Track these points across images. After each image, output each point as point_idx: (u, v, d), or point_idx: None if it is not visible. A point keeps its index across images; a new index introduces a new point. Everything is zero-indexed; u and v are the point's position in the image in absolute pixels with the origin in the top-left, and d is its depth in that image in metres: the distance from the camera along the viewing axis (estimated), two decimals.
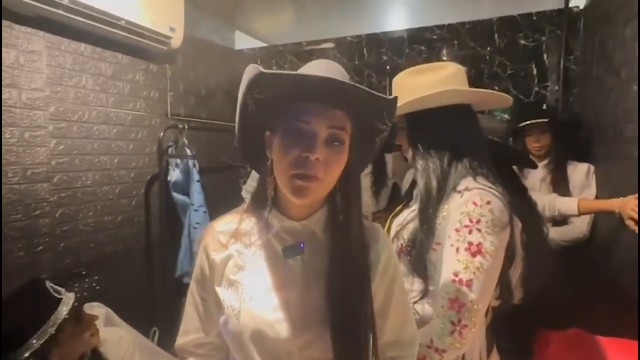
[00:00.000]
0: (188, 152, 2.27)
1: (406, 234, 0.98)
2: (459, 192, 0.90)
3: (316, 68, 0.71)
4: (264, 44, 3.03)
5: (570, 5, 2.24)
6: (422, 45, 2.58)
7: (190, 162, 2.26)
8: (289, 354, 0.69)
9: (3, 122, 1.51)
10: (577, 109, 2.25)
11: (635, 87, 1.50)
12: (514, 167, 1.28)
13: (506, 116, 2.41)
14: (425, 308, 0.93)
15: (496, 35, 2.41)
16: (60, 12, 1.59)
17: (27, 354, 1.02)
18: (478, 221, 0.84)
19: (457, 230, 0.86)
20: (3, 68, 1.50)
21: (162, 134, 2.16)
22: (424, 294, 0.92)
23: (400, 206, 1.15)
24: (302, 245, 0.72)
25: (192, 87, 2.54)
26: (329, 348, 0.68)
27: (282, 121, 0.67)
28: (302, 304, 0.70)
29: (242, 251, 0.75)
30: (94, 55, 1.89)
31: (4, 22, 1.51)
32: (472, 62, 2.45)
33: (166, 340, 1.96)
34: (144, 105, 2.17)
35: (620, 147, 1.68)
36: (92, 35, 1.83)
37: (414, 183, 1.19)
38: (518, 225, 1.01)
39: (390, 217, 1.13)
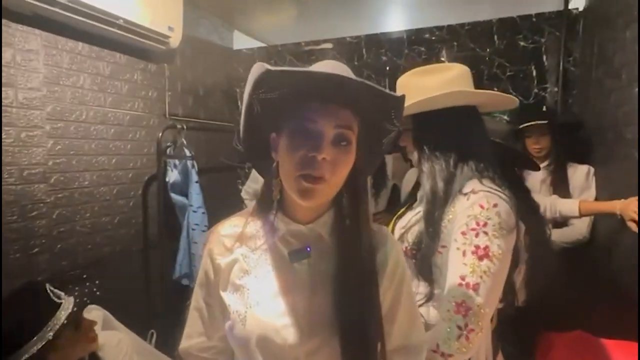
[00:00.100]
0: (187, 152, 2.25)
1: (411, 237, 0.97)
2: (465, 194, 0.89)
3: (323, 67, 0.69)
4: (263, 44, 3.01)
5: (570, 7, 2.24)
6: (421, 46, 2.58)
7: (189, 163, 2.24)
8: None
9: None
10: (577, 110, 2.25)
11: (636, 90, 1.50)
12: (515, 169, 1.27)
13: (505, 117, 2.41)
14: (430, 311, 0.92)
15: (496, 37, 2.41)
16: (58, 10, 1.57)
17: (24, 359, 1.01)
18: (485, 224, 0.83)
19: (463, 233, 0.85)
20: None
21: (160, 134, 2.14)
22: (429, 297, 0.91)
23: (404, 208, 1.14)
24: (308, 249, 0.70)
25: (190, 87, 2.52)
26: (336, 354, 0.67)
27: (287, 122, 0.66)
28: (309, 309, 0.68)
29: (248, 255, 0.73)
30: (91, 55, 1.87)
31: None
32: (471, 64, 2.40)
33: (164, 343, 1.94)
34: (142, 105, 2.15)
35: (620, 149, 1.68)
36: (90, 35, 1.81)
37: (417, 185, 1.18)
38: (522, 227, 1.00)
39: (393, 220, 1.13)
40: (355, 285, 0.68)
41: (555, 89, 2.31)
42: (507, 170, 1.05)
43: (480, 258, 0.82)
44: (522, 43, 2.36)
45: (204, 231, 2.19)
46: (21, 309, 1.06)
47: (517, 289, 1.04)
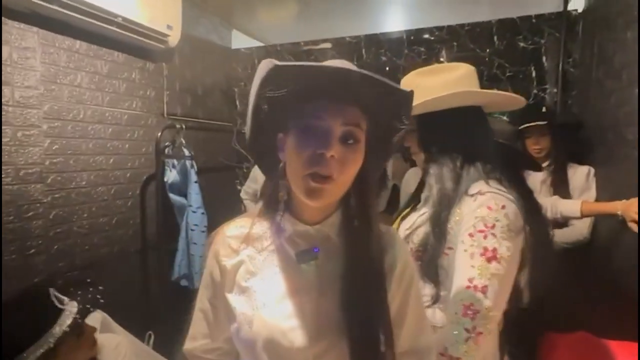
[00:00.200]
0: (186, 152, 2.23)
1: (416, 238, 0.96)
2: (472, 196, 0.89)
3: (330, 64, 0.68)
4: (261, 44, 3.00)
5: (569, 8, 2.25)
6: (421, 46, 2.57)
7: (188, 163, 2.22)
8: None
9: None
10: (576, 111, 2.26)
11: (637, 91, 1.50)
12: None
13: (505, 118, 2.41)
14: (436, 313, 0.91)
15: (495, 38, 2.41)
16: (55, 7, 1.55)
17: None
18: (493, 226, 0.82)
19: (471, 235, 0.84)
20: None
21: (159, 133, 2.12)
22: (435, 299, 0.91)
23: (408, 209, 1.13)
24: (316, 250, 0.70)
25: (188, 86, 2.50)
26: (345, 356, 0.66)
27: (295, 121, 0.65)
28: (317, 311, 0.67)
29: (254, 256, 0.72)
30: (89, 53, 1.84)
31: None
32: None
33: (162, 345, 1.92)
34: (140, 105, 2.13)
35: (620, 149, 1.68)
36: (88, 32, 1.79)
37: (420, 186, 1.17)
38: (526, 228, 0.99)
39: (398, 221, 1.12)
40: (363, 286, 0.67)
41: (555, 90, 2.31)
42: (511, 171, 1.04)
43: (489, 260, 0.81)
44: (521, 44, 2.37)
45: (203, 232, 2.17)
46: (23, 314, 1.04)
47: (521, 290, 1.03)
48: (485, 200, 0.86)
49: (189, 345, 0.79)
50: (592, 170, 1.92)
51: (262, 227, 0.74)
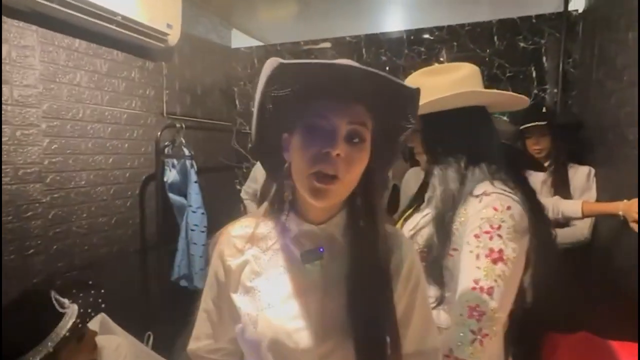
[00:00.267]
0: (186, 152, 2.21)
1: (421, 239, 0.95)
2: (477, 196, 0.88)
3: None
4: (261, 43, 2.99)
5: (570, 9, 2.25)
6: (421, 46, 2.57)
7: (188, 162, 2.21)
8: None
9: None
10: (576, 111, 2.26)
11: (637, 91, 1.50)
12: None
13: (505, 118, 2.41)
14: (440, 315, 0.91)
15: (496, 38, 2.41)
16: (54, 6, 1.53)
17: None
18: (499, 227, 0.82)
19: (476, 236, 0.83)
20: None
21: (159, 133, 2.11)
22: (440, 301, 0.90)
23: (411, 210, 1.12)
24: (321, 249, 0.69)
25: (188, 85, 2.49)
26: (350, 358, 0.65)
27: (300, 120, 0.65)
28: (322, 311, 0.67)
29: (259, 256, 0.72)
30: (88, 52, 1.83)
31: None
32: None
33: (161, 345, 1.91)
34: (139, 104, 2.12)
35: (621, 150, 1.68)
36: (87, 31, 1.77)
37: (422, 186, 1.17)
38: (531, 229, 0.99)
39: (401, 221, 1.11)
40: (369, 287, 0.66)
41: (555, 90, 2.32)
42: (515, 172, 1.04)
43: (495, 261, 0.80)
44: (522, 44, 2.37)
45: (203, 232, 2.16)
46: (23, 317, 1.03)
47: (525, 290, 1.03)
48: (491, 201, 0.85)
49: (192, 345, 0.80)
50: (593, 170, 1.92)
51: (267, 227, 0.74)
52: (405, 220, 1.12)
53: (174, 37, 2.09)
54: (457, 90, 0.91)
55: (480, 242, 0.83)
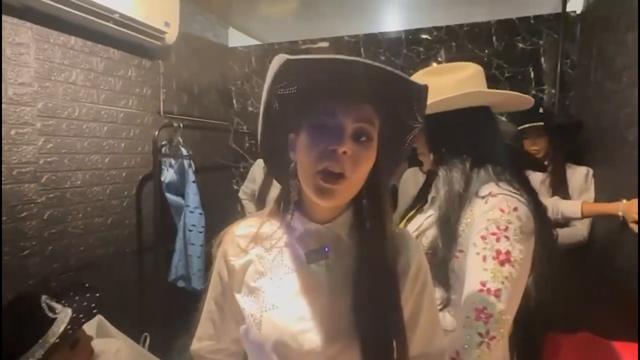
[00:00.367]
0: (184, 151, 2.19)
1: (425, 241, 0.94)
2: (483, 197, 0.87)
3: None
4: (258, 42, 2.97)
5: (568, 10, 2.26)
6: (420, 46, 2.57)
7: (186, 162, 2.18)
8: None
9: None
10: (574, 112, 2.27)
11: (637, 92, 1.51)
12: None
13: (503, 119, 2.41)
14: (446, 317, 0.90)
15: (494, 38, 2.42)
16: (50, 2, 1.51)
17: None
18: (506, 228, 0.81)
19: (483, 237, 0.83)
20: None
21: (157, 132, 2.08)
22: (446, 303, 0.89)
23: (414, 211, 1.11)
24: (326, 249, 0.68)
25: (185, 84, 2.47)
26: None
27: (306, 119, 0.64)
28: (328, 313, 0.66)
29: (263, 256, 0.71)
30: (84, 49, 1.80)
31: None
32: None
33: (158, 346, 1.89)
34: (136, 103, 2.09)
35: (619, 150, 1.69)
36: (83, 29, 1.75)
37: (424, 187, 1.16)
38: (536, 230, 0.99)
39: (403, 223, 1.10)
40: (375, 288, 0.65)
41: (553, 91, 2.32)
42: (518, 172, 1.04)
43: (502, 263, 0.80)
44: (520, 45, 2.37)
45: (200, 232, 2.14)
46: (11, 324, 0.99)
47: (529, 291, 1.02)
48: (497, 202, 0.85)
49: (195, 345, 0.80)
50: (591, 171, 1.93)
51: (271, 227, 0.73)
52: (408, 221, 1.11)
53: (171, 36, 2.07)
54: (463, 91, 0.90)
55: (487, 244, 0.82)
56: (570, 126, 2.13)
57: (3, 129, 1.47)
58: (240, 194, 2.36)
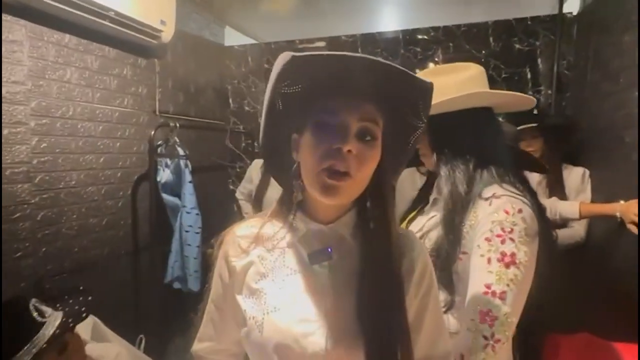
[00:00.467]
0: (180, 151, 2.16)
1: (428, 243, 0.94)
2: (487, 199, 0.87)
3: None
4: (255, 41, 2.95)
5: (564, 11, 2.27)
6: (417, 46, 2.56)
7: (182, 162, 2.16)
8: None
9: None
10: (570, 113, 2.28)
11: (636, 94, 1.51)
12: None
13: (500, 119, 2.41)
14: (449, 320, 0.89)
15: (491, 39, 2.42)
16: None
17: None
18: (511, 230, 0.81)
19: (488, 239, 0.82)
20: None
21: (153, 132, 2.05)
22: (449, 305, 0.89)
23: (415, 212, 1.11)
24: (329, 250, 0.67)
25: (181, 83, 2.44)
26: None
27: (310, 118, 0.63)
28: (331, 315, 0.65)
29: (265, 256, 0.70)
30: (79, 48, 1.77)
31: None
32: None
33: (153, 348, 1.87)
34: (131, 102, 2.06)
35: (616, 152, 1.70)
36: (78, 26, 1.71)
37: (426, 187, 1.15)
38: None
39: (405, 224, 1.09)
40: (380, 289, 0.64)
41: (549, 92, 2.33)
42: (519, 173, 1.03)
43: (507, 265, 0.79)
44: (517, 46, 2.38)
45: (197, 233, 2.12)
46: (5, 325, 0.96)
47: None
48: (502, 203, 0.84)
49: (195, 346, 0.80)
50: (587, 171, 1.94)
51: (273, 227, 0.72)
52: (409, 222, 1.10)
53: (167, 34, 2.04)
54: (466, 91, 0.89)
55: (491, 246, 0.81)
56: (565, 127, 2.14)
57: None
58: (237, 195, 2.35)
